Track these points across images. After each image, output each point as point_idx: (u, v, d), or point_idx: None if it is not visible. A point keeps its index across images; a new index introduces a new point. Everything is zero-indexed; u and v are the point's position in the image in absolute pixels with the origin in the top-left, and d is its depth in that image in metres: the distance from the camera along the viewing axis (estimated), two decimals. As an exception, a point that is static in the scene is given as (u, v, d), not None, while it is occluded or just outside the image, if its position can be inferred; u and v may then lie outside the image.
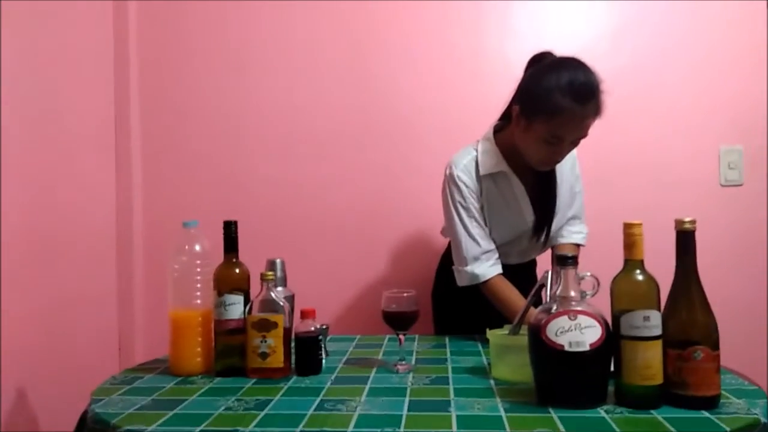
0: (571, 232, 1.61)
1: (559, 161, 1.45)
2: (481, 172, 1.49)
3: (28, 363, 1.60)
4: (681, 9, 2.05)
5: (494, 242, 1.52)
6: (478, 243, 1.49)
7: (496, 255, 1.51)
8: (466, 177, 1.49)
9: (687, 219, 1.00)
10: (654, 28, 2.06)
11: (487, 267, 1.49)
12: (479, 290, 1.51)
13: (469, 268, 1.49)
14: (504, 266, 1.52)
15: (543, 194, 1.53)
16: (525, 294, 1.44)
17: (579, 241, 1.61)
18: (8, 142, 1.54)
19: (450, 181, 1.50)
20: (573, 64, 1.35)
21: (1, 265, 1.50)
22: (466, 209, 1.49)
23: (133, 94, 2.11)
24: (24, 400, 1.58)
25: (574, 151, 1.54)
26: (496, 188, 1.51)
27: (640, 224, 1.00)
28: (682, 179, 2.05)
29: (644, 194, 2.04)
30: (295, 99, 2.12)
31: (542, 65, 1.40)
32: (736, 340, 1.83)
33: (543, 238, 1.55)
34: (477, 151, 1.52)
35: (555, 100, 1.31)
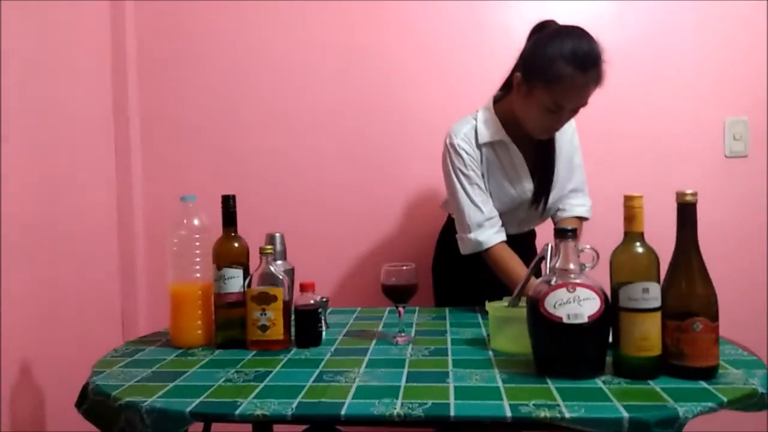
0: (573, 206, 1.60)
1: (558, 129, 1.45)
2: (480, 140, 1.49)
3: (32, 337, 1.61)
4: (686, -22, 2.01)
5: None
6: (480, 210, 1.49)
7: (500, 222, 1.51)
8: (466, 145, 1.49)
9: (688, 191, 0.99)
10: (658, -2, 2.02)
11: (491, 234, 1.48)
12: (481, 259, 1.51)
13: (472, 235, 1.49)
14: None
15: (541, 163, 1.53)
16: (525, 264, 1.44)
17: (583, 214, 1.60)
18: (8, 122, 1.53)
19: (450, 149, 1.50)
20: (576, 32, 1.36)
21: (5, 242, 1.51)
22: (468, 177, 1.49)
23: (131, 71, 2.08)
24: (28, 373, 1.60)
25: (573, 122, 1.53)
26: (495, 157, 1.51)
27: (641, 197, 1.00)
28: (687, 151, 2.02)
29: (648, 166, 2.02)
30: (294, 74, 2.09)
31: (545, 33, 1.40)
32: (739, 312, 1.85)
33: (541, 207, 1.55)
34: (476, 120, 1.52)
35: (558, 67, 1.32)
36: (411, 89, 2.07)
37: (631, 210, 1.00)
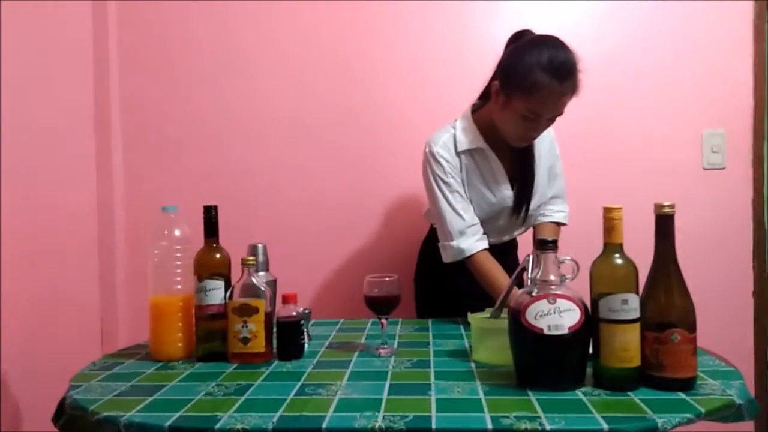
0: (552, 211, 1.63)
1: (535, 138, 1.47)
2: (459, 148, 1.51)
3: (10, 350, 1.58)
4: (665, -7, 2.05)
5: None
6: (462, 217, 1.49)
7: (482, 230, 1.52)
8: (445, 153, 1.50)
9: (666, 204, 1.00)
10: (637, 11, 2.05)
11: (473, 242, 1.49)
12: (462, 269, 1.51)
13: (455, 243, 1.49)
14: None
15: (521, 171, 1.55)
16: (507, 274, 1.45)
17: (560, 220, 1.63)
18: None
19: (430, 158, 1.51)
20: (553, 42, 1.38)
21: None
22: (448, 184, 1.50)
23: (113, 81, 2.07)
24: (5, 386, 1.57)
25: (552, 132, 1.55)
26: (474, 164, 1.52)
27: (620, 208, 1.01)
28: (665, 163, 2.05)
29: (627, 178, 2.05)
30: (276, 85, 2.10)
31: (523, 42, 1.42)
32: (718, 323, 1.87)
33: (522, 214, 1.56)
34: (455, 128, 1.53)
35: (535, 76, 1.33)
36: (392, 99, 2.08)
37: (610, 222, 1.01)
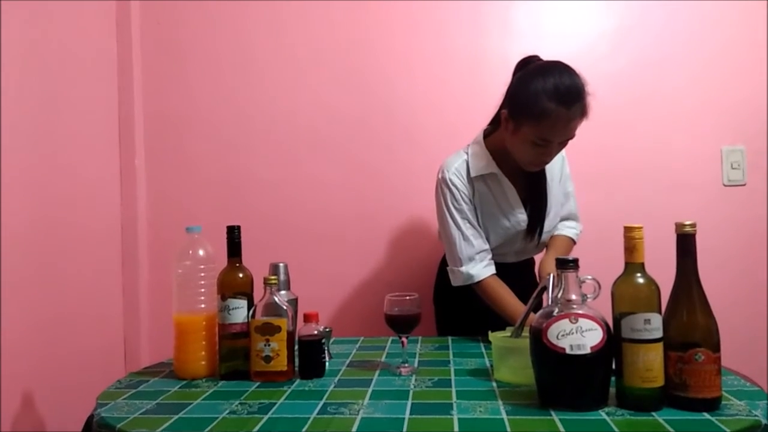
0: (565, 226, 1.63)
1: (548, 162, 1.48)
2: (472, 174, 1.52)
3: (34, 367, 1.61)
4: (682, 9, 2.05)
5: (490, 244, 1.55)
6: (471, 243, 1.51)
7: (490, 255, 1.53)
8: (457, 179, 1.51)
9: (687, 222, 1.00)
10: (655, 28, 2.06)
11: (481, 268, 1.51)
12: (474, 290, 1.52)
13: (463, 269, 1.51)
14: (502, 265, 1.55)
15: (533, 194, 1.55)
16: (520, 294, 1.45)
17: (572, 236, 1.63)
18: (11, 148, 1.55)
19: (442, 183, 1.53)
20: (558, 67, 1.37)
21: (7, 272, 1.52)
22: (459, 211, 1.51)
23: (137, 99, 2.12)
24: (30, 404, 1.59)
25: (563, 151, 1.55)
26: (488, 190, 1.53)
27: (641, 228, 1.01)
28: (685, 180, 2.04)
29: (648, 195, 2.04)
30: (297, 103, 2.13)
31: (528, 70, 1.42)
32: (739, 341, 1.85)
33: (536, 237, 1.56)
34: (467, 154, 1.54)
35: (541, 104, 1.33)
36: (413, 119, 2.10)
37: (631, 241, 1.02)
